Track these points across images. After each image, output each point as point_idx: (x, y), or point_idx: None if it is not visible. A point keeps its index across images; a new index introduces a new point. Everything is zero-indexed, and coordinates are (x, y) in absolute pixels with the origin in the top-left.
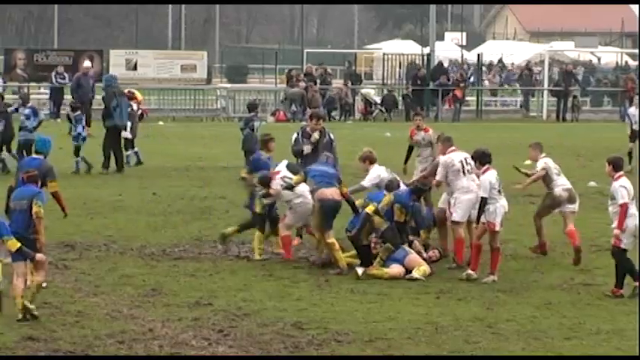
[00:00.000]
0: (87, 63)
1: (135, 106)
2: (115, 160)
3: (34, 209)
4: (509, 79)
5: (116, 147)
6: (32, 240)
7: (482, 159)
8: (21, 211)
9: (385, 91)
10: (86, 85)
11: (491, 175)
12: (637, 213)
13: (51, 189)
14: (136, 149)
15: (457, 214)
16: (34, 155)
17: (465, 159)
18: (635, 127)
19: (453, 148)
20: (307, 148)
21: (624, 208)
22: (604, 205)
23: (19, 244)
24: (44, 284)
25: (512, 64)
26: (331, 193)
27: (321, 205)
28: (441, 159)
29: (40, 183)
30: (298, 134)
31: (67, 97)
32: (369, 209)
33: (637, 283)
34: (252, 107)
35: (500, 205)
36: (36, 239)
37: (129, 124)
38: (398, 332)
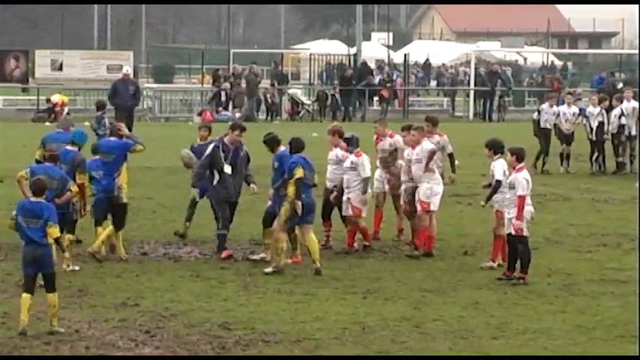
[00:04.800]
0: (125, 68)
1: None
2: None
3: (74, 189)
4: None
5: None
6: (64, 215)
7: (497, 148)
8: (51, 190)
9: (317, 91)
10: (124, 92)
11: (504, 164)
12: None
13: (79, 180)
14: None
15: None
16: (68, 147)
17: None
18: (568, 126)
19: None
20: (228, 168)
21: (522, 199)
22: (535, 205)
23: (58, 234)
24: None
25: (443, 64)
26: None
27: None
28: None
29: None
30: (218, 148)
31: None
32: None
33: (518, 274)
34: (100, 106)
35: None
36: (67, 216)
37: None
38: (325, 332)
